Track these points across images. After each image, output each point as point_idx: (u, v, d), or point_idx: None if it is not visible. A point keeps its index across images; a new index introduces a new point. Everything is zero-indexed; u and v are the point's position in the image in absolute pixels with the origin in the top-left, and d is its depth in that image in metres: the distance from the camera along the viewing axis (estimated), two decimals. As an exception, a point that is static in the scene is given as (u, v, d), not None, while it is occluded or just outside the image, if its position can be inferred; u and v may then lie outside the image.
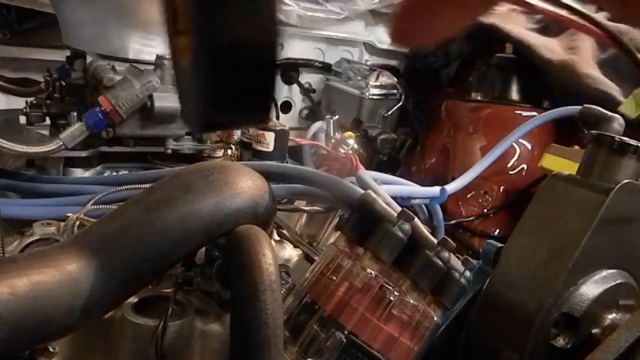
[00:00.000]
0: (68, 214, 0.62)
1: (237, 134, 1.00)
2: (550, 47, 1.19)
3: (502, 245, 0.50)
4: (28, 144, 0.77)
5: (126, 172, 0.93)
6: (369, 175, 0.81)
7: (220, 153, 1.04)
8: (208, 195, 0.41)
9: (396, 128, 1.39)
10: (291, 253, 0.71)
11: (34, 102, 0.93)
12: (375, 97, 1.32)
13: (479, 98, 1.30)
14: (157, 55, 0.90)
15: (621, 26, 0.52)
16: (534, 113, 1.15)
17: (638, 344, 0.40)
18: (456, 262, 0.46)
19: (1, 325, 0.31)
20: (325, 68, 1.42)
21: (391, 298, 0.44)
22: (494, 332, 0.48)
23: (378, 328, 0.43)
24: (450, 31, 0.24)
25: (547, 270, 0.45)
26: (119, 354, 0.50)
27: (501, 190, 1.22)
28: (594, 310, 0.45)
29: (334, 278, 0.45)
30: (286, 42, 1.37)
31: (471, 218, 1.22)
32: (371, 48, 1.46)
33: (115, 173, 0.93)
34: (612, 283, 0.46)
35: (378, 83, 1.34)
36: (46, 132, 0.95)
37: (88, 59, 0.92)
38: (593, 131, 0.49)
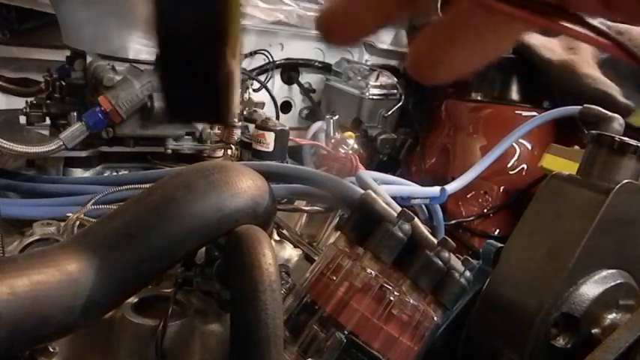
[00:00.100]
0: (68, 214, 0.62)
1: (237, 134, 1.00)
2: (550, 47, 1.19)
3: (502, 245, 0.50)
4: (28, 144, 0.77)
5: (126, 172, 0.93)
6: (369, 175, 0.81)
7: (220, 153, 1.04)
8: (208, 195, 0.41)
9: (396, 128, 1.39)
10: (291, 253, 0.71)
11: (34, 102, 0.93)
12: (375, 97, 1.33)
13: (479, 98, 1.30)
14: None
15: (620, 26, 0.52)
16: (534, 113, 1.15)
17: (638, 344, 0.40)
18: (456, 262, 0.46)
19: (1, 325, 0.31)
20: (325, 68, 1.43)
21: (391, 298, 0.44)
22: (494, 332, 0.48)
23: (378, 328, 0.43)
24: (473, 64, 0.23)
25: (547, 270, 0.45)
26: (119, 354, 0.50)
27: (501, 190, 1.22)
28: (594, 310, 0.45)
29: (334, 278, 0.45)
30: (286, 42, 1.37)
31: (471, 218, 1.22)
32: (371, 48, 1.46)
33: (115, 173, 0.93)
34: (612, 283, 0.46)
35: (378, 83, 1.34)
36: (46, 132, 0.95)
37: (88, 59, 0.92)
38: (593, 131, 0.49)
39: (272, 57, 1.34)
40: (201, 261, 0.52)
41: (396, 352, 0.43)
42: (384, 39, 1.44)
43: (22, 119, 0.93)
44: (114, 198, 0.67)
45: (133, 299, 0.52)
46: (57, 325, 0.35)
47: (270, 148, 0.93)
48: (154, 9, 0.23)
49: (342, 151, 1.02)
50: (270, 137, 0.92)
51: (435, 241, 0.46)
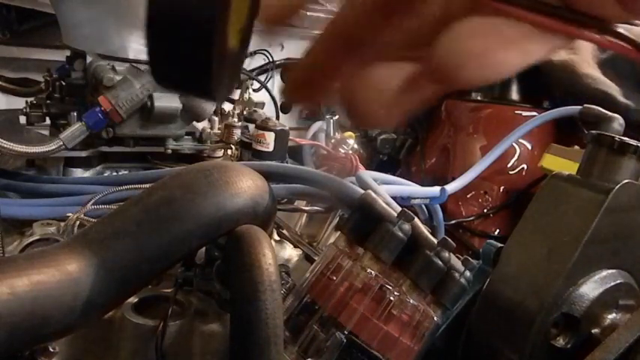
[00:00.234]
0: (68, 214, 0.62)
1: (237, 134, 1.00)
2: (550, 47, 1.19)
3: (502, 245, 0.50)
4: (28, 144, 0.78)
5: (126, 172, 0.93)
6: (369, 175, 0.81)
7: (220, 153, 1.04)
8: (208, 195, 0.41)
9: (396, 128, 1.39)
10: (291, 253, 0.71)
11: (34, 102, 0.93)
12: (374, 97, 1.32)
13: (479, 98, 1.30)
14: (157, 55, 0.90)
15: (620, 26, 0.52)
16: (534, 113, 1.15)
17: (638, 344, 0.40)
18: (456, 262, 0.45)
19: (0, 325, 0.31)
20: (325, 68, 1.42)
21: (391, 298, 0.44)
22: (494, 332, 0.48)
23: (378, 328, 0.43)
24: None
25: (547, 270, 0.45)
26: (119, 354, 0.50)
27: (501, 190, 1.22)
28: (594, 310, 0.45)
29: (334, 278, 0.45)
30: (286, 42, 1.37)
31: (471, 218, 1.22)
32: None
33: (115, 173, 0.93)
34: (612, 283, 0.46)
35: (378, 83, 1.33)
36: (46, 132, 0.95)
37: (88, 59, 0.92)
38: (593, 131, 0.49)
39: (272, 57, 1.34)
40: (201, 261, 0.52)
41: (396, 352, 0.43)
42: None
43: (22, 119, 0.93)
44: (114, 198, 0.67)
45: (133, 299, 0.52)
46: (57, 325, 0.35)
47: (270, 148, 0.93)
48: None
49: (342, 151, 1.02)
50: (270, 137, 0.92)
51: (435, 241, 0.46)
